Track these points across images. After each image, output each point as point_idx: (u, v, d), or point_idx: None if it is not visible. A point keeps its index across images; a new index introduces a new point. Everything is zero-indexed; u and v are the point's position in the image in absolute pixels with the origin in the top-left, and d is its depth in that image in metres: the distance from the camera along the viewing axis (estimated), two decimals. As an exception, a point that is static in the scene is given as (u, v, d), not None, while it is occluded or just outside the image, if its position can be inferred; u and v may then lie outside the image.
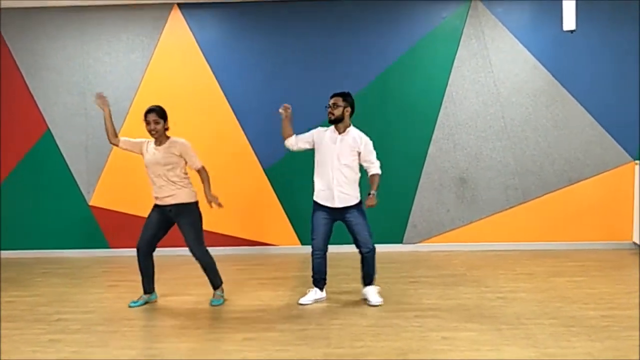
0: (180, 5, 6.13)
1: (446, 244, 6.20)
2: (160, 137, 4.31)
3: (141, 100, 6.03)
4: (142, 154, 4.38)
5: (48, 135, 6.29)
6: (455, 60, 6.09)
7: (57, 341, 3.74)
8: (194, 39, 6.16)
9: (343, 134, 4.31)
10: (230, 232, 6.25)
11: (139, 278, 4.52)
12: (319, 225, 4.36)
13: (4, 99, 6.27)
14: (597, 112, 6.04)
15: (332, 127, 4.34)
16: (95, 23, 6.19)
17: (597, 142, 6.07)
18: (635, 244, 6.05)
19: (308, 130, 4.43)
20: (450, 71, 6.09)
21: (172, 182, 4.28)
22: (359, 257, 4.41)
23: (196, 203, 4.39)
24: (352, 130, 4.35)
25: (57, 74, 6.26)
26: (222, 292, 4.56)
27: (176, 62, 6.19)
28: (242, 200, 6.21)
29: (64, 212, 6.32)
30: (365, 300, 4.42)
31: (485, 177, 6.16)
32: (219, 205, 4.33)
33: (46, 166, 6.31)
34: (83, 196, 6.31)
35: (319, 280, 4.49)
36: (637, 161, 6.02)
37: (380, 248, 6.00)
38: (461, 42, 6.07)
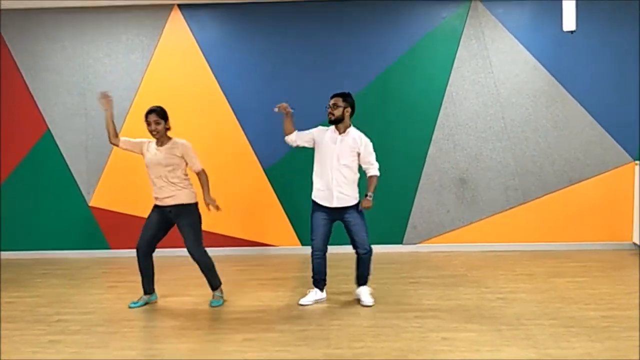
0: (180, 6, 6.13)
1: (446, 245, 6.20)
2: (162, 138, 4.30)
3: (141, 100, 6.03)
4: (142, 154, 4.38)
5: (48, 136, 6.29)
6: (455, 61, 6.09)
7: (57, 342, 3.74)
8: (194, 40, 6.16)
9: (343, 134, 4.31)
10: (230, 232, 6.25)
11: (139, 279, 4.52)
12: (318, 225, 4.36)
13: (4, 100, 6.27)
14: (597, 113, 6.04)
15: (333, 127, 4.34)
16: (95, 24, 6.20)
17: (597, 142, 6.07)
18: (635, 244, 6.05)
19: (308, 129, 4.44)
20: (450, 72, 6.09)
21: (173, 183, 4.29)
22: (358, 257, 4.41)
23: (196, 204, 4.39)
24: (353, 131, 4.35)
25: (57, 75, 6.26)
26: (222, 292, 4.56)
27: (176, 63, 6.19)
28: (242, 201, 6.21)
29: (64, 213, 6.32)
30: (358, 301, 4.43)
31: (486, 178, 6.16)
32: (217, 208, 4.33)
33: (46, 167, 6.31)
34: (83, 197, 6.31)
35: (319, 281, 4.49)
36: (637, 161, 6.02)
37: (380, 249, 6.04)
38: (461, 43, 6.07)
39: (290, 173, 6.10)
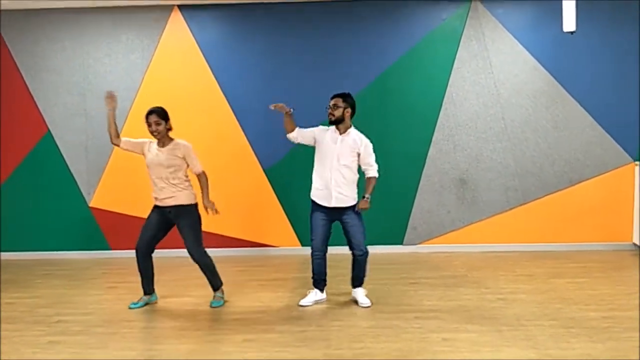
0: (180, 6, 6.13)
1: (446, 245, 6.20)
2: (163, 138, 4.30)
3: (141, 101, 6.03)
4: (143, 154, 4.37)
5: (48, 137, 6.29)
6: (456, 62, 6.09)
7: (57, 343, 3.74)
8: (194, 40, 6.16)
9: (344, 134, 4.31)
10: (230, 233, 6.25)
11: (139, 279, 4.52)
12: (318, 226, 4.36)
13: (4, 100, 6.27)
14: (597, 113, 6.04)
15: (333, 127, 4.34)
16: (95, 24, 6.20)
17: (597, 143, 6.07)
18: (635, 245, 6.04)
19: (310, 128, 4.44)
20: (451, 72, 6.09)
21: (173, 184, 4.28)
22: (357, 258, 4.41)
23: (195, 205, 4.38)
24: (353, 132, 4.35)
25: (57, 75, 6.26)
26: (222, 293, 4.56)
27: (176, 63, 6.19)
28: (242, 201, 6.21)
29: (64, 213, 6.32)
30: (356, 302, 4.43)
31: (486, 179, 6.16)
32: (216, 211, 4.33)
33: (46, 167, 6.31)
34: (83, 197, 6.31)
35: (319, 282, 4.49)
36: (637, 162, 6.02)
37: (380, 249, 6.07)
38: (461, 43, 6.07)
39: (290, 173, 6.10)
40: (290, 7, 6.08)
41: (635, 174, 6.02)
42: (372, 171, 4.36)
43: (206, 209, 4.33)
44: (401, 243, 6.26)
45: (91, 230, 6.32)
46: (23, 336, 3.86)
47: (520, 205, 6.16)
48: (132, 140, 4.41)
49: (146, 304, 4.52)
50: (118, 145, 4.39)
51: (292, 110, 4.31)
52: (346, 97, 4.30)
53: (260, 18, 6.11)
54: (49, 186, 6.31)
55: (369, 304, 4.36)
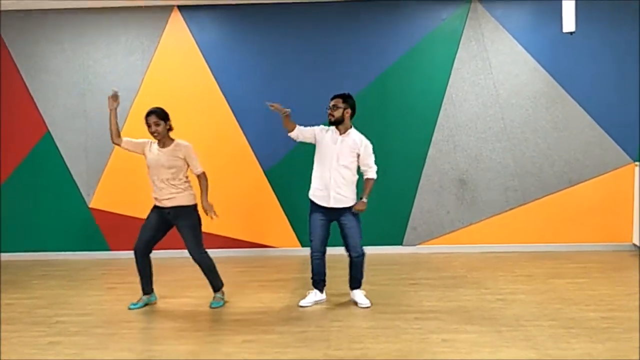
0: (180, 7, 6.13)
1: (446, 246, 6.20)
2: (164, 139, 4.30)
3: (141, 102, 6.03)
4: (144, 154, 4.37)
5: (48, 137, 6.29)
6: (455, 62, 6.09)
7: (56, 344, 3.73)
8: (194, 41, 6.16)
9: (344, 135, 4.31)
10: (230, 234, 6.24)
11: (138, 280, 4.52)
12: (316, 226, 4.36)
13: (4, 101, 6.27)
14: (596, 114, 6.04)
15: (334, 127, 4.34)
16: (95, 25, 6.20)
17: (597, 143, 6.07)
18: (635, 245, 6.04)
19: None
20: (450, 73, 6.09)
21: (173, 185, 4.28)
22: (357, 259, 4.41)
23: (195, 206, 4.38)
24: (353, 132, 4.35)
25: (57, 76, 6.26)
26: (223, 294, 4.56)
27: (176, 64, 6.19)
28: (242, 202, 6.21)
29: (64, 214, 6.32)
30: (355, 303, 4.42)
31: (485, 179, 6.16)
32: (214, 214, 4.32)
33: (46, 168, 6.30)
34: (83, 198, 6.31)
35: (319, 282, 4.49)
36: (637, 162, 6.02)
37: (380, 250, 6.07)
38: (461, 44, 6.08)
39: (290, 174, 6.10)
40: (290, 7, 6.08)
41: (635, 175, 6.03)
42: (371, 173, 4.36)
43: (205, 211, 4.32)
44: (401, 244, 6.26)
45: (90, 231, 6.31)
46: (22, 337, 3.86)
47: (520, 205, 6.16)
48: (133, 140, 4.41)
49: (145, 304, 4.52)
50: (119, 145, 4.39)
51: (289, 111, 4.30)
52: (346, 98, 4.30)
53: (260, 18, 6.11)
54: (48, 187, 6.31)
55: (369, 305, 4.36)
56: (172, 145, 4.30)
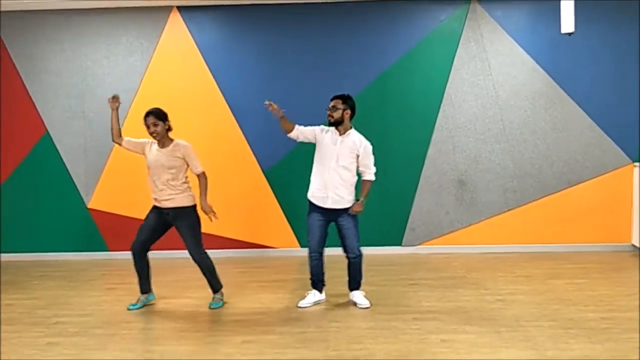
0: (179, 8, 6.13)
1: (445, 247, 6.20)
2: (163, 139, 4.30)
3: (140, 102, 6.03)
4: (144, 154, 4.38)
5: (47, 138, 6.28)
6: (454, 63, 6.09)
7: (55, 344, 3.73)
8: (193, 42, 6.16)
9: (343, 135, 4.30)
10: (229, 234, 6.24)
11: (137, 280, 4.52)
12: (314, 227, 4.36)
13: (3, 102, 6.26)
14: (596, 114, 6.05)
15: (334, 128, 4.33)
16: (94, 26, 6.19)
17: (596, 144, 6.08)
18: (634, 246, 6.05)
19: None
20: (449, 73, 6.10)
21: (172, 186, 4.28)
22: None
23: (194, 207, 4.38)
24: (353, 133, 4.34)
25: (56, 77, 6.26)
26: (222, 295, 4.56)
27: (175, 65, 6.19)
28: (242, 203, 6.21)
29: (63, 215, 6.31)
30: (354, 304, 4.42)
31: (484, 180, 6.16)
32: (214, 215, 4.32)
33: (45, 169, 6.30)
34: (82, 199, 6.30)
35: (317, 283, 4.50)
36: (636, 163, 6.02)
37: (379, 250, 6.07)
38: (460, 45, 6.08)
39: (289, 175, 6.10)
40: (290, 7, 6.08)
41: (635, 175, 6.03)
42: (369, 174, 4.35)
43: (205, 212, 4.32)
44: (400, 244, 6.26)
45: (89, 231, 6.31)
46: (22, 337, 3.86)
47: (519, 206, 6.16)
48: (133, 140, 4.42)
49: (144, 304, 4.52)
50: (120, 144, 4.41)
51: (281, 115, 4.28)
52: (345, 99, 4.29)
53: (259, 18, 6.11)
54: (47, 188, 6.30)
55: (368, 305, 4.36)
56: (171, 145, 4.30)
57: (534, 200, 6.15)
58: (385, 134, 6.05)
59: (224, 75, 6.18)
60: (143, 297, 4.53)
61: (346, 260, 4.41)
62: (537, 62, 6.04)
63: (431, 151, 6.17)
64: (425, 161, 6.17)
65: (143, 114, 4.28)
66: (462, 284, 4.98)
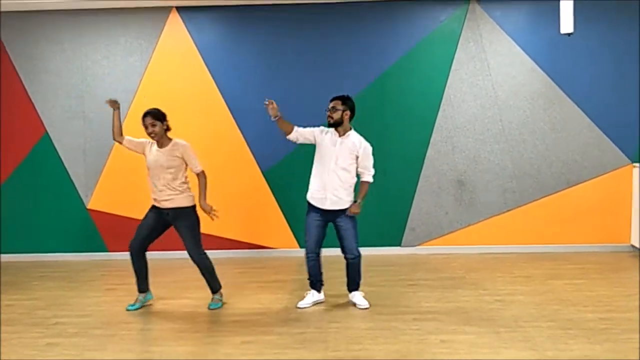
0: (178, 8, 6.14)
1: (444, 247, 6.20)
2: (162, 139, 4.31)
3: (140, 103, 6.03)
4: (144, 154, 4.38)
5: (46, 138, 6.28)
6: (453, 63, 6.10)
7: (55, 345, 3.73)
8: (192, 42, 6.16)
9: (343, 137, 4.30)
10: (228, 235, 6.24)
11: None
12: (311, 227, 4.36)
13: (3, 102, 6.26)
14: (595, 115, 6.05)
15: (333, 129, 4.33)
16: (94, 26, 6.19)
17: (595, 144, 6.08)
18: (633, 246, 6.05)
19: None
20: (449, 74, 6.10)
21: (172, 186, 4.29)
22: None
23: (193, 207, 4.38)
24: (353, 134, 4.34)
25: (56, 77, 6.26)
26: (221, 295, 4.56)
27: (175, 65, 6.19)
28: (241, 203, 6.21)
29: (62, 215, 6.31)
30: (354, 305, 4.43)
31: (484, 180, 6.17)
32: (215, 214, 4.32)
33: (44, 169, 6.30)
34: (81, 199, 6.30)
35: (315, 283, 4.50)
36: (635, 164, 6.02)
37: (378, 251, 6.07)
38: (459, 45, 6.08)
39: (288, 175, 6.10)
40: (290, 7, 6.08)
41: (634, 176, 6.03)
42: (368, 176, 4.35)
43: (205, 211, 4.33)
44: (399, 245, 6.26)
45: (89, 232, 6.31)
46: (21, 338, 3.86)
47: (518, 206, 6.16)
48: (134, 139, 4.43)
49: (143, 304, 4.52)
50: (120, 143, 4.43)
51: (277, 119, 4.28)
52: (345, 100, 4.29)
53: (259, 19, 6.11)
54: (47, 188, 6.30)
55: (367, 306, 4.37)
56: (170, 145, 4.31)
57: (533, 201, 6.15)
58: (385, 135, 6.06)
59: (223, 76, 6.19)
60: (141, 296, 4.53)
61: (344, 261, 4.41)
62: (536, 63, 6.05)
63: (430, 152, 6.17)
64: (425, 161, 6.17)
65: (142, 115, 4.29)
66: (461, 284, 4.98)
